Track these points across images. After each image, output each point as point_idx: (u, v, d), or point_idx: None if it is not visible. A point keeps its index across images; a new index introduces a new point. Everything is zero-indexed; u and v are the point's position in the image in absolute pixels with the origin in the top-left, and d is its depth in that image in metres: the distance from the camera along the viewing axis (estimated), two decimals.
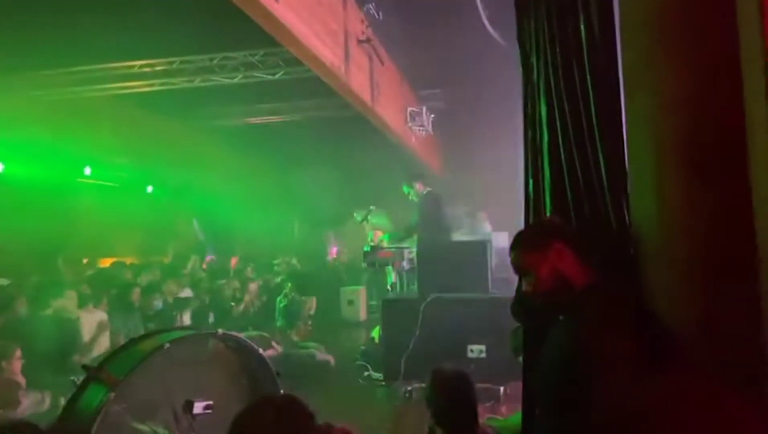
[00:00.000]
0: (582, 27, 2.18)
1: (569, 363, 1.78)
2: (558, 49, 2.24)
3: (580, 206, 2.17)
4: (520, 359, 2.70)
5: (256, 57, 8.28)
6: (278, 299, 7.16)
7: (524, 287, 1.96)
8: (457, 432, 2.51)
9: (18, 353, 3.64)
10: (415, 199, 6.85)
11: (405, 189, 6.86)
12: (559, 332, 1.95)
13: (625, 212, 2.06)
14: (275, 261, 10.99)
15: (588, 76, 2.16)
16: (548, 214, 2.24)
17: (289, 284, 7.27)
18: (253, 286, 8.08)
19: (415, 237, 6.65)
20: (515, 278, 2.15)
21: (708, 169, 1.65)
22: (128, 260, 9.08)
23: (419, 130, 11.35)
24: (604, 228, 2.11)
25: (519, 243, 1.98)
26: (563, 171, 2.20)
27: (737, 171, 1.53)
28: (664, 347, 1.73)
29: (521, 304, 2.28)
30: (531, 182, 2.36)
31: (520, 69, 2.43)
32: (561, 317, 1.97)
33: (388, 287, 6.85)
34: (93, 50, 7.58)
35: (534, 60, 2.33)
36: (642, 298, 1.97)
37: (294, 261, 11.37)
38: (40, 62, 7.86)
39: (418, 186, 6.77)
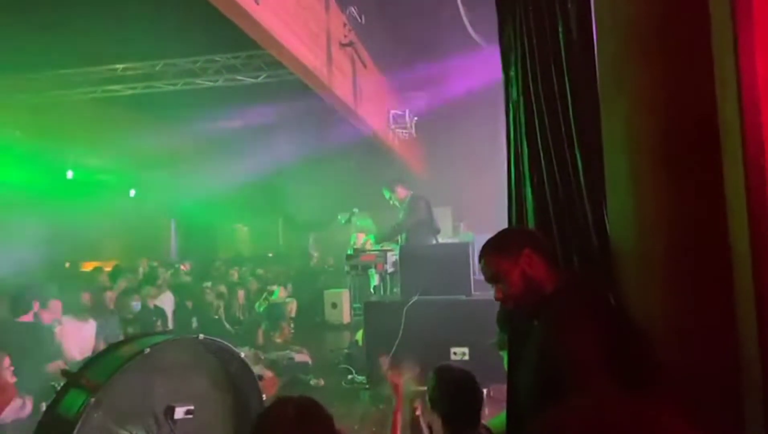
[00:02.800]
0: (560, 31, 2.22)
1: (543, 364, 1.81)
2: (537, 54, 2.27)
3: (560, 209, 2.21)
4: (502, 354, 2.73)
5: (239, 60, 8.26)
6: (257, 303, 7.13)
7: (495, 295, 2.00)
8: (461, 430, 2.51)
9: (6, 361, 3.60)
10: (396, 204, 6.86)
11: (386, 194, 6.87)
12: (533, 335, 1.98)
13: (605, 217, 2.10)
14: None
15: (567, 80, 2.20)
16: (531, 216, 2.28)
17: (277, 288, 7.25)
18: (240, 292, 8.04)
19: (399, 239, 6.66)
20: None
21: (682, 170, 1.68)
22: (111, 264, 8.97)
23: (402, 132, 11.39)
24: (583, 230, 2.15)
25: (489, 251, 2.02)
26: (543, 174, 2.23)
27: (711, 172, 1.55)
28: (635, 347, 1.77)
29: (504, 311, 2.31)
30: (513, 184, 2.40)
31: (503, 74, 2.47)
32: (535, 322, 2.01)
33: (371, 290, 6.85)
34: (76, 53, 7.54)
35: (515, 64, 2.36)
36: (615, 299, 2.02)
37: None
38: (22, 65, 7.78)
39: (399, 190, 6.77)
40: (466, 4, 8.02)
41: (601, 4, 2.06)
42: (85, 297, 5.63)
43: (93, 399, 2.21)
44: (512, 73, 2.39)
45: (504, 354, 2.71)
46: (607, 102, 2.00)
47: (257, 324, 7.06)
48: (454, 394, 2.55)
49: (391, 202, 6.87)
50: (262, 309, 7.04)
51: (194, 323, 6.81)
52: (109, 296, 5.54)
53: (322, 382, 5.82)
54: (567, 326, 1.80)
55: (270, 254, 14.10)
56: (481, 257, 2.03)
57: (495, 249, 1.99)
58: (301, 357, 6.26)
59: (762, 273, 1.36)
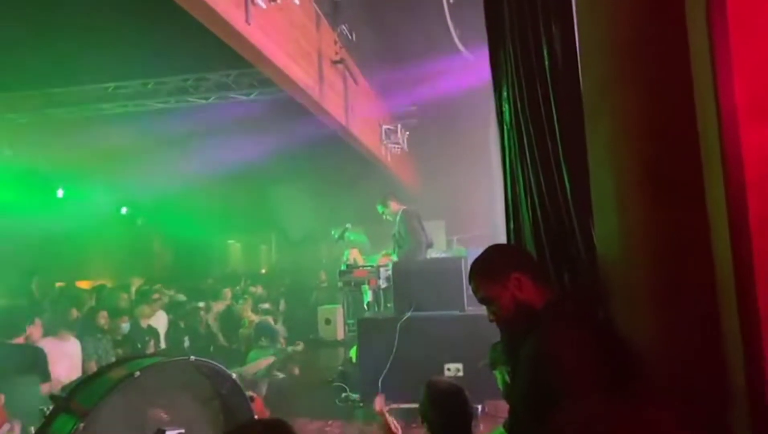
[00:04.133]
0: (545, 54, 2.26)
1: (536, 380, 1.82)
2: (524, 76, 2.31)
3: (550, 226, 2.23)
4: (496, 373, 2.74)
5: (230, 78, 8.29)
6: (240, 331, 7.07)
7: (488, 317, 2.03)
8: None
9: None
10: (389, 218, 6.86)
11: (379, 208, 6.88)
12: (524, 352, 2.00)
13: (592, 233, 2.12)
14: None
15: (553, 101, 2.23)
16: (528, 234, 2.30)
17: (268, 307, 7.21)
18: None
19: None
20: None
21: (665, 187, 1.69)
22: (101, 283, 8.90)
23: (394, 147, 11.44)
24: (572, 247, 2.17)
25: (477, 274, 2.03)
26: (534, 193, 2.26)
27: (693, 189, 1.56)
28: (623, 360, 1.79)
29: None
30: (510, 203, 2.43)
31: (494, 94, 2.51)
32: (528, 339, 2.02)
33: (365, 306, 6.84)
34: (67, 72, 7.55)
35: (506, 85, 2.40)
36: (604, 313, 2.04)
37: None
38: (13, 84, 7.78)
39: (392, 205, 6.78)
40: (455, 20, 8.11)
41: (584, 27, 2.10)
42: (73, 317, 5.58)
43: (82, 424, 2.19)
44: (504, 95, 2.42)
45: (497, 373, 2.72)
46: (592, 122, 2.03)
47: (250, 343, 7.02)
48: (443, 408, 2.57)
49: (384, 216, 6.87)
50: (253, 328, 7.00)
51: (186, 343, 6.77)
52: (102, 316, 5.49)
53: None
54: (558, 341, 1.82)
55: (263, 271, 14.06)
56: (470, 278, 2.04)
57: (483, 273, 2.01)
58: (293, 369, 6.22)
59: (745, 286, 1.38)
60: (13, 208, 8.00)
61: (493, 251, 2.12)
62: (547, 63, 2.27)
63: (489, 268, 2.01)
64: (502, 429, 2.55)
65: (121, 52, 7.12)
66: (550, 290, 2.00)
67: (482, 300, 2.01)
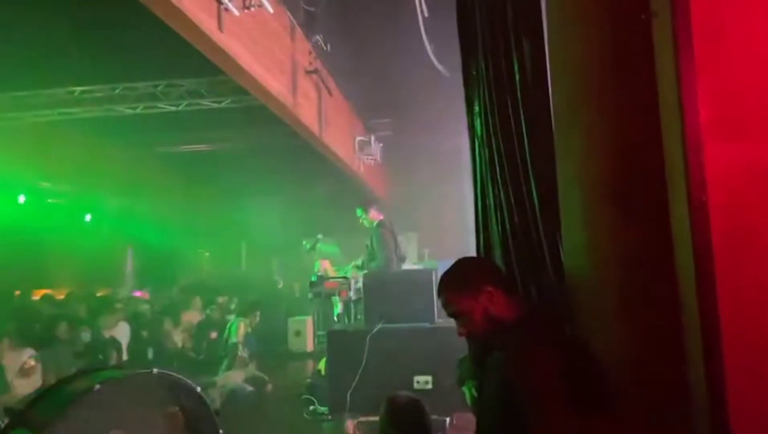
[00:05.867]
0: (516, 70, 2.29)
1: (503, 395, 1.81)
2: (495, 92, 2.34)
3: (518, 241, 2.25)
4: (464, 389, 2.74)
5: (202, 85, 8.21)
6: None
7: (458, 330, 2.00)
8: None
9: None
10: (365, 224, 6.80)
11: (358, 212, 6.79)
12: (492, 366, 2.00)
13: (560, 249, 2.15)
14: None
15: (522, 118, 2.26)
16: (497, 248, 2.31)
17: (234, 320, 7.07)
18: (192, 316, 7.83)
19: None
20: None
21: (631, 205, 1.73)
22: (63, 292, 8.64)
23: (368, 159, 11.47)
24: (540, 262, 2.19)
25: (448, 288, 2.00)
26: (503, 208, 2.28)
27: (658, 208, 1.60)
28: (590, 374, 1.80)
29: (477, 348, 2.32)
30: (481, 216, 2.45)
31: (466, 109, 2.54)
32: (495, 353, 2.02)
33: (335, 318, 6.78)
34: (33, 75, 7.37)
35: (478, 99, 2.43)
36: (571, 328, 2.05)
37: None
38: None
39: (372, 212, 6.70)
40: (429, 35, 8.20)
41: (554, 45, 2.15)
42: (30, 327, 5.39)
43: None
44: (476, 109, 2.45)
45: (465, 390, 2.72)
46: (561, 140, 2.06)
47: (217, 354, 6.89)
48: (401, 422, 2.58)
49: (361, 221, 6.78)
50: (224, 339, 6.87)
51: (150, 354, 6.60)
52: (61, 327, 5.31)
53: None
54: (526, 356, 1.82)
55: (230, 281, 13.82)
56: (439, 291, 2.02)
57: (454, 287, 1.98)
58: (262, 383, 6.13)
59: (706, 301, 1.42)
60: None
61: (463, 263, 2.11)
62: (517, 79, 2.30)
63: (460, 281, 1.99)
64: None
65: (88, 57, 6.98)
66: (520, 305, 2.01)
67: (452, 314, 1.98)
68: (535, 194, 2.21)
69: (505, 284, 2.00)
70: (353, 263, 6.97)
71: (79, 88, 8.00)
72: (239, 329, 6.73)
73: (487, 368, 2.08)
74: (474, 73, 2.55)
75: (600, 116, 1.82)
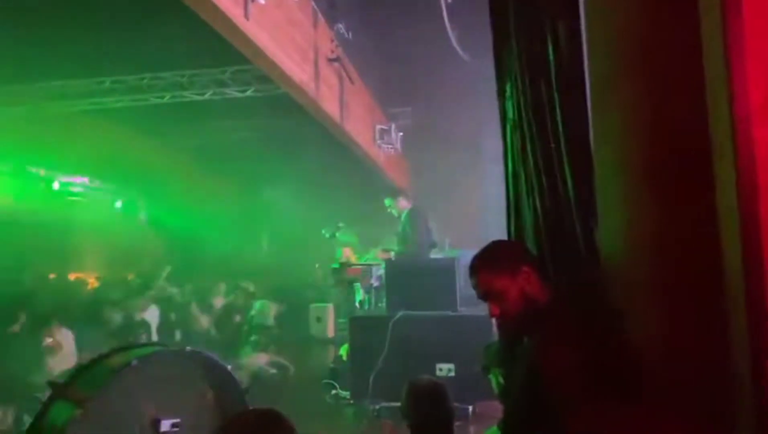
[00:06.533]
0: (550, 50, 2.28)
1: (532, 382, 1.80)
2: (528, 73, 2.33)
3: (551, 225, 2.24)
4: (491, 377, 2.75)
5: (227, 74, 8.27)
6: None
7: (491, 311, 1.96)
8: None
9: None
10: (394, 213, 6.84)
11: (387, 202, 6.83)
12: (522, 352, 1.99)
13: (595, 234, 2.13)
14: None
15: (557, 99, 2.24)
16: (530, 232, 2.30)
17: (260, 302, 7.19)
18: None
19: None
20: None
21: (674, 188, 1.68)
22: (95, 276, 8.86)
23: (388, 147, 11.45)
24: (573, 247, 2.18)
25: (483, 266, 1.96)
26: (535, 191, 2.27)
27: (702, 191, 1.54)
28: (625, 363, 1.80)
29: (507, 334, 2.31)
30: (513, 200, 2.44)
31: (494, 92, 2.52)
32: (525, 339, 2.02)
33: (357, 305, 6.83)
34: (64, 66, 7.51)
35: (510, 82, 2.41)
36: (604, 315, 2.04)
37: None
38: (10, 77, 7.70)
39: (401, 202, 6.74)
40: (452, 21, 8.15)
41: (591, 24, 2.12)
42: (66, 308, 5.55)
43: (79, 412, 2.18)
44: (508, 93, 2.44)
45: (492, 377, 2.73)
46: (598, 122, 2.05)
47: (242, 336, 7.00)
48: (422, 405, 2.60)
49: (389, 210, 6.82)
50: (249, 322, 6.99)
51: (178, 336, 6.73)
52: (96, 307, 5.46)
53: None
54: (556, 343, 1.80)
55: (253, 267, 13.92)
56: (473, 272, 1.98)
57: (491, 266, 1.95)
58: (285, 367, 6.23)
59: (754, 291, 1.35)
60: (9, 199, 7.95)
61: (499, 244, 2.10)
62: (551, 61, 2.28)
63: (497, 260, 1.96)
64: (496, 429, 2.56)
65: (118, 47, 7.09)
66: (552, 290, 2.00)
67: (486, 294, 1.95)
68: (569, 178, 2.20)
69: (541, 270, 1.98)
70: (379, 248, 7.00)
71: (109, 79, 8.13)
72: (271, 310, 6.84)
73: (516, 355, 2.08)
74: (505, 56, 2.53)
75: (640, 96, 1.80)
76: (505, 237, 2.51)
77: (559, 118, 2.26)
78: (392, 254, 6.46)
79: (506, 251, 2.08)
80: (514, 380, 2.08)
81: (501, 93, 2.59)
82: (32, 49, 6.81)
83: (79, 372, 2.52)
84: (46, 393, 2.48)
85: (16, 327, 4.50)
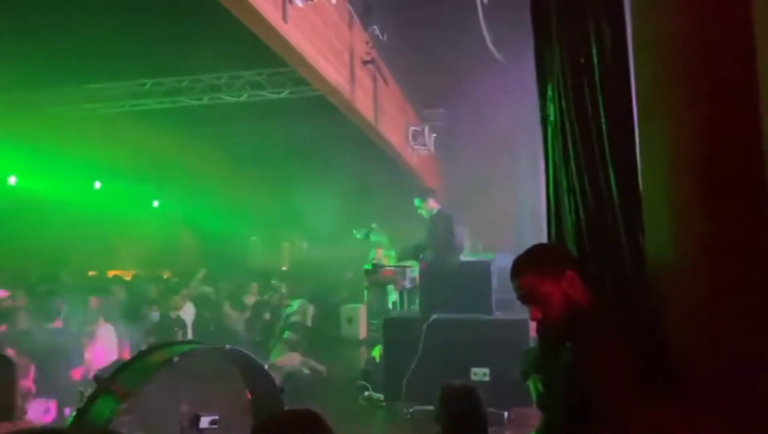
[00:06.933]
0: (595, 52, 2.23)
1: (572, 388, 1.78)
2: (571, 75, 2.28)
3: (593, 228, 2.20)
4: (529, 383, 2.71)
5: (263, 76, 8.39)
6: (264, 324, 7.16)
7: (533, 314, 1.93)
8: None
9: (32, 367, 3.66)
10: (424, 214, 6.81)
11: (416, 202, 6.81)
12: (563, 357, 1.96)
13: (639, 238, 2.08)
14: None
15: (601, 101, 2.20)
16: (570, 236, 2.26)
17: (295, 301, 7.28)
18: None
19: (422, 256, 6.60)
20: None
21: (725, 192, 1.63)
22: (132, 273, 9.11)
23: (421, 149, 11.42)
24: (616, 251, 2.13)
25: (527, 269, 1.93)
26: (577, 194, 2.23)
27: (755, 194, 1.51)
28: (670, 375, 1.74)
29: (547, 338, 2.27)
30: (553, 203, 2.40)
31: (538, 94, 2.49)
32: (568, 344, 1.98)
33: (390, 306, 6.83)
34: (106, 68, 7.76)
35: (551, 84, 2.37)
36: (651, 324, 1.98)
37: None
38: (55, 79, 8.00)
39: (430, 202, 6.70)
40: (488, 22, 8.06)
41: (638, 24, 2.07)
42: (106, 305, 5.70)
43: (123, 406, 2.23)
44: (549, 94, 2.40)
45: (530, 384, 2.69)
46: (645, 123, 1.99)
47: (275, 335, 7.08)
48: (456, 410, 2.58)
49: (419, 211, 6.80)
50: (285, 319, 7.08)
51: (210, 334, 6.85)
52: (134, 305, 5.61)
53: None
54: (601, 352, 1.76)
55: (284, 268, 14.14)
56: (516, 274, 1.94)
57: (535, 269, 1.91)
58: (318, 368, 6.27)
59: None
60: (53, 198, 8.24)
61: (543, 247, 2.08)
62: (595, 61, 2.23)
63: (542, 263, 1.93)
64: None
65: (158, 50, 7.26)
66: (595, 294, 1.96)
67: (528, 297, 1.91)
68: (613, 181, 2.15)
69: (585, 275, 1.94)
70: (392, 251, 6.99)
71: (149, 81, 8.35)
72: (308, 311, 6.92)
73: (557, 361, 2.04)
74: (547, 57, 2.49)
75: (690, 97, 1.74)
76: (540, 240, 2.46)
77: (603, 120, 2.21)
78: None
79: (551, 254, 2.05)
80: (555, 386, 2.05)
81: (542, 95, 2.55)
82: (76, 53, 7.03)
83: (122, 368, 2.58)
84: (88, 387, 2.55)
85: (58, 322, 4.64)
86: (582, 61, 2.28)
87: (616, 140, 2.18)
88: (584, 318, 1.88)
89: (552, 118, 2.46)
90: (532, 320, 1.96)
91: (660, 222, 1.95)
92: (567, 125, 2.34)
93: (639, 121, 2.04)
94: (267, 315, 8.20)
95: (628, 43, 2.18)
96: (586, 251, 2.26)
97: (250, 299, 8.58)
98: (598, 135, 2.23)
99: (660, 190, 1.93)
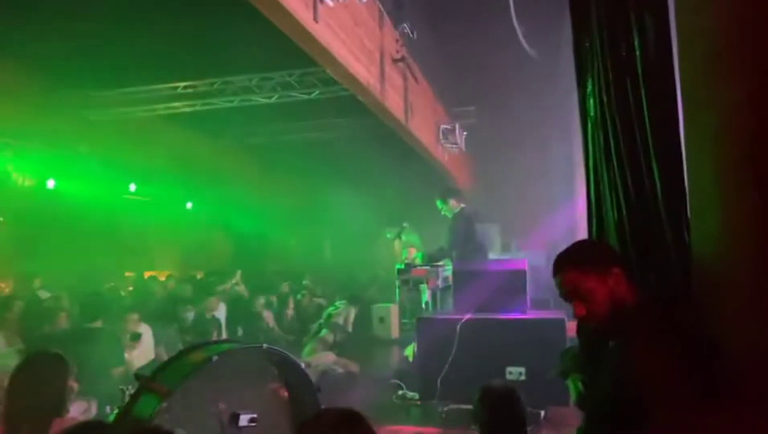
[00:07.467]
0: (636, 44, 2.17)
1: (615, 387, 1.75)
2: (612, 68, 2.23)
3: (637, 225, 2.14)
4: (568, 383, 2.65)
5: (293, 77, 8.44)
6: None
7: (576, 311, 1.88)
8: None
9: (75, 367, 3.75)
10: (448, 215, 6.77)
11: (438, 203, 6.79)
12: (607, 357, 1.91)
13: (685, 235, 2.02)
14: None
15: (643, 96, 2.14)
16: (612, 233, 2.21)
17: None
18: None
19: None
20: (557, 299, 2.10)
21: None
22: (167, 274, 9.28)
23: (451, 147, 11.34)
24: (661, 247, 2.07)
25: (571, 264, 1.88)
26: (620, 190, 2.17)
27: None
28: (717, 374, 1.69)
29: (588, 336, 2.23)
30: (594, 200, 2.35)
31: (578, 88, 2.43)
32: (611, 343, 1.93)
33: (422, 306, 6.79)
34: (140, 72, 7.89)
35: (591, 78, 2.32)
36: (697, 322, 1.92)
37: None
38: (89, 83, 8.19)
39: (452, 202, 6.68)
40: (520, 17, 7.95)
41: (682, 15, 2.01)
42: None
43: (164, 405, 2.27)
44: (589, 88, 2.34)
45: (570, 383, 2.64)
46: (691, 117, 1.93)
47: (310, 334, 7.14)
48: (495, 409, 2.55)
49: (443, 212, 6.78)
50: (326, 318, 7.16)
51: (239, 332, 6.97)
52: (172, 305, 5.72)
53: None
54: (644, 347, 1.73)
55: (317, 267, 14.20)
56: (559, 269, 1.89)
57: (581, 265, 1.86)
58: (351, 367, 6.30)
59: None
60: (89, 201, 8.46)
61: (588, 243, 2.04)
62: (638, 54, 2.18)
63: (587, 258, 1.88)
64: None
65: (190, 54, 7.38)
66: (639, 292, 1.90)
67: (571, 294, 1.86)
68: (657, 175, 2.09)
69: (631, 273, 1.88)
70: (420, 254, 6.98)
71: (182, 84, 8.48)
72: (351, 314, 6.97)
73: (599, 360, 1.99)
74: (586, 51, 2.43)
75: (739, 88, 1.68)
76: (576, 239, 2.41)
77: (646, 114, 2.15)
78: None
79: (596, 250, 2.01)
80: (597, 385, 2.00)
81: (581, 90, 2.50)
82: (109, 57, 7.19)
83: (163, 367, 2.62)
84: (129, 386, 2.61)
85: (98, 323, 4.75)
86: (624, 54, 2.22)
87: (660, 133, 2.12)
88: (630, 317, 1.83)
89: (592, 113, 2.40)
90: (576, 316, 1.91)
91: (706, 218, 1.89)
92: (608, 120, 2.29)
93: (684, 113, 1.97)
94: (294, 313, 8.28)
95: (671, 35, 2.11)
96: (629, 249, 2.21)
97: (281, 299, 8.65)
98: (641, 129, 2.17)
99: (706, 184, 1.87)
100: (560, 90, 9.27)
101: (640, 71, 2.17)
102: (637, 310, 1.82)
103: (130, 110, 8.90)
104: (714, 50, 1.82)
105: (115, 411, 2.65)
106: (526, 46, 8.46)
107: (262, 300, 7.97)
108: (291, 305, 8.41)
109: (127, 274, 9.10)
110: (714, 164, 1.80)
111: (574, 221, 8.85)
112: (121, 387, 2.73)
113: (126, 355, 4.87)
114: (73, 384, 2.65)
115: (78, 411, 3.92)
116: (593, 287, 1.81)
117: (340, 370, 6.29)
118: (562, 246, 2.02)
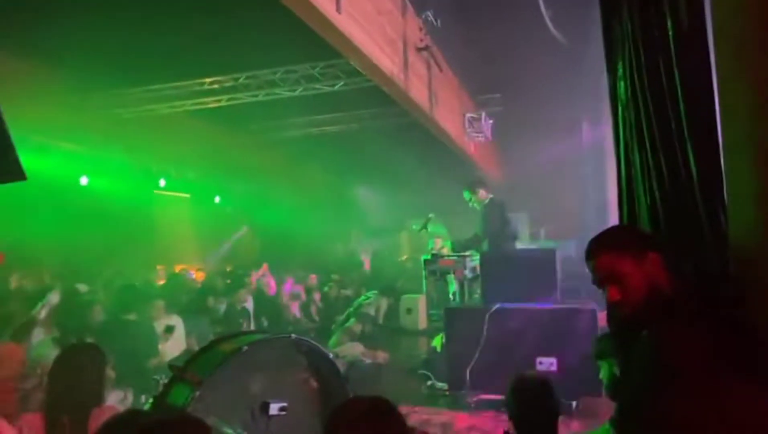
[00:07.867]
0: (669, 23, 2.10)
1: (648, 376, 1.70)
2: (644, 50, 2.16)
3: (672, 211, 2.08)
4: (601, 363, 2.63)
5: (317, 69, 8.45)
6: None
7: (610, 295, 1.80)
8: None
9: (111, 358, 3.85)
10: (476, 206, 6.72)
11: (466, 195, 6.74)
12: (644, 346, 1.86)
13: (722, 220, 1.95)
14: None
15: (677, 77, 2.07)
16: (645, 219, 2.15)
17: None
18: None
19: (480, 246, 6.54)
20: (587, 288, 2.06)
21: None
22: (196, 267, 9.45)
23: (478, 136, 11.22)
24: (697, 234, 2.01)
25: (607, 248, 1.81)
26: (653, 175, 2.12)
27: None
28: (759, 363, 1.63)
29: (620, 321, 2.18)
30: (625, 186, 2.30)
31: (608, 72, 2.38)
32: (645, 331, 1.88)
33: (450, 296, 6.76)
34: (166, 70, 7.99)
35: (622, 61, 2.26)
36: (737, 313, 1.86)
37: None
38: (119, 82, 8.35)
39: (480, 193, 6.63)
40: (546, 2, 7.77)
41: None
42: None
43: (197, 393, 2.31)
44: (620, 72, 2.28)
45: (603, 364, 2.60)
46: (728, 98, 1.86)
47: (337, 323, 7.19)
48: (528, 400, 2.53)
49: (471, 204, 6.73)
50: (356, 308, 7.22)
51: (264, 323, 7.07)
52: (209, 299, 5.83)
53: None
54: (679, 337, 1.68)
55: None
56: (593, 253, 1.82)
57: (616, 248, 1.79)
58: (379, 357, 6.33)
59: None
60: (121, 196, 8.66)
61: (624, 228, 1.99)
62: (671, 33, 2.10)
63: (622, 242, 1.81)
64: (608, 427, 2.44)
65: (215, 49, 7.44)
66: (680, 285, 1.83)
67: (606, 278, 1.79)
68: (692, 160, 2.03)
69: (668, 260, 1.80)
70: (449, 242, 6.94)
71: (208, 79, 8.57)
72: (381, 306, 7.00)
73: (633, 348, 1.95)
74: (617, 32, 2.37)
75: None
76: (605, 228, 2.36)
77: (680, 96, 2.09)
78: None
79: (632, 234, 1.94)
80: (631, 373, 1.95)
81: (611, 74, 2.43)
82: (138, 56, 7.30)
83: (195, 357, 2.68)
84: (163, 376, 2.66)
85: (132, 315, 4.86)
86: (657, 35, 2.15)
87: (695, 116, 2.05)
88: (668, 305, 1.77)
89: (623, 96, 2.34)
90: (610, 301, 1.84)
91: (744, 203, 1.83)
92: (640, 103, 2.22)
93: (720, 94, 1.90)
94: (322, 305, 8.34)
95: (706, 14, 2.03)
96: (663, 235, 2.15)
97: (308, 290, 8.73)
98: (674, 112, 2.11)
99: (744, 168, 1.80)
100: (588, 75, 9.08)
101: (673, 52, 2.10)
102: (675, 300, 1.76)
103: (158, 106, 9.04)
104: (751, 31, 1.74)
105: (150, 401, 2.72)
106: (553, 30, 8.28)
107: (288, 292, 8.06)
108: (318, 297, 8.47)
109: (158, 267, 9.29)
110: (751, 147, 1.73)
111: (604, 210, 8.68)
112: (155, 376, 2.79)
113: (159, 346, 4.99)
114: (110, 373, 2.73)
115: (115, 400, 4.03)
116: (629, 271, 1.73)
117: (368, 361, 6.32)
118: (592, 235, 1.95)
